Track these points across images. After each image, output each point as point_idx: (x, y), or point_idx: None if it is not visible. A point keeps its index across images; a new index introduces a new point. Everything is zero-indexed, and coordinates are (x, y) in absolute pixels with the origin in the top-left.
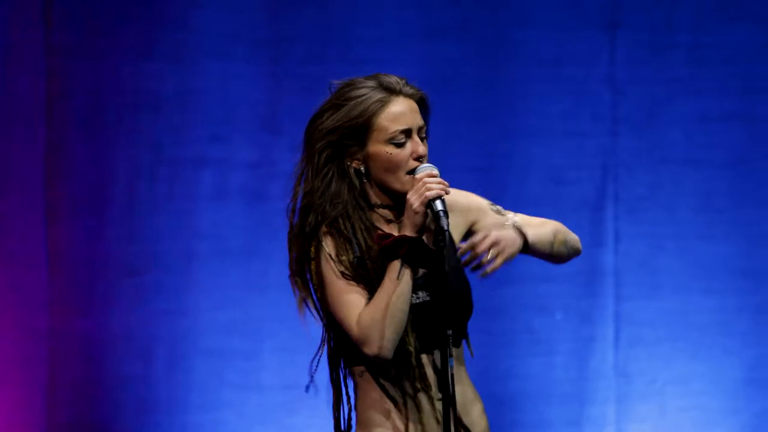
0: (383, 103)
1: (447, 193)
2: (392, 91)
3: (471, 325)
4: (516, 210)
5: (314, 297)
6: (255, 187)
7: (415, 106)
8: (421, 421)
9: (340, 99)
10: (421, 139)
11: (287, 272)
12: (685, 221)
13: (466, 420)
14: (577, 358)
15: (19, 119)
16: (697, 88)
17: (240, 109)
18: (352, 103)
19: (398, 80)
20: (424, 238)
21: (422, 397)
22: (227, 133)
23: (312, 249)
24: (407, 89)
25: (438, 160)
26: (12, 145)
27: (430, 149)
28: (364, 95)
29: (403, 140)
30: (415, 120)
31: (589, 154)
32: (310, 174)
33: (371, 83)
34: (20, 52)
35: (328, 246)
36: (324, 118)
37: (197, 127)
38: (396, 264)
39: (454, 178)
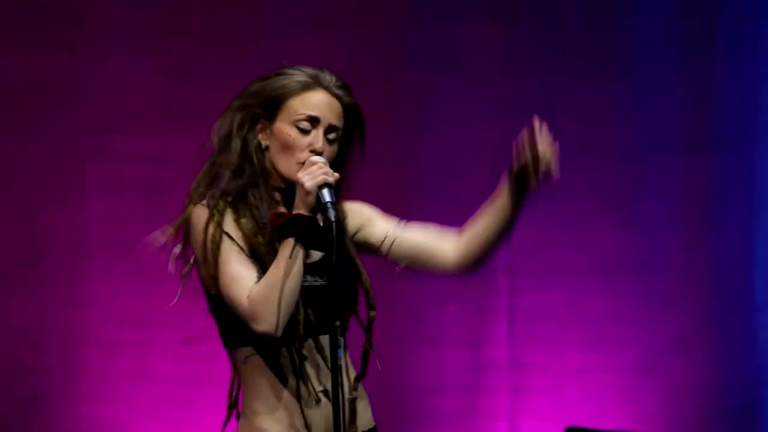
0: (303, 88)
1: (334, 181)
2: (318, 83)
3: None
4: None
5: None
6: (150, 178)
7: (336, 105)
8: (306, 411)
9: (273, 73)
10: (328, 140)
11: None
12: (578, 213)
13: (356, 409)
14: (470, 350)
15: None
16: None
17: (135, 101)
18: (279, 78)
19: (331, 78)
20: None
21: (309, 383)
22: (121, 125)
23: (208, 220)
24: (335, 89)
25: None
26: None
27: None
28: (291, 75)
29: (308, 128)
30: (327, 116)
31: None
32: (220, 137)
33: (306, 70)
34: None
35: (227, 219)
36: (252, 83)
37: (92, 119)
38: (290, 242)
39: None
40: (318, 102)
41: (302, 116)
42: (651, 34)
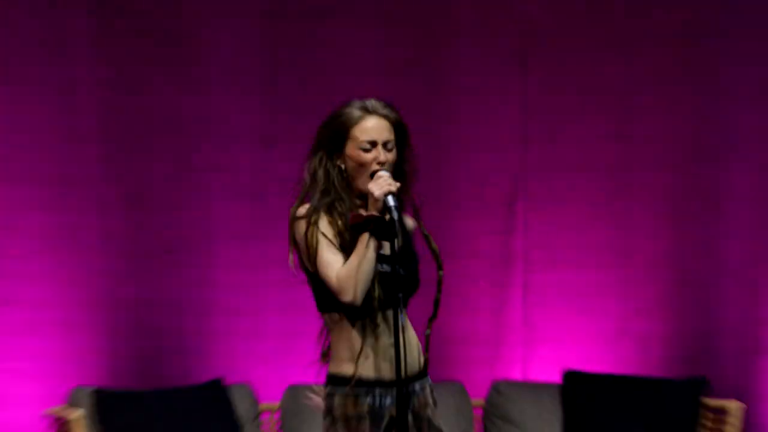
0: (358, 118)
1: (395, 189)
2: (367, 111)
3: (422, 294)
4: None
5: (304, 262)
6: (255, 188)
7: (385, 124)
8: (377, 357)
9: (334, 113)
10: (387, 150)
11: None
12: (578, 214)
13: (409, 358)
14: (494, 313)
15: None
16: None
17: (243, 127)
18: (339, 116)
19: (377, 103)
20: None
21: (380, 340)
22: (234, 146)
23: (307, 226)
24: (381, 111)
25: None
26: None
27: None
28: (347, 111)
29: (369, 148)
30: (382, 135)
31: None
32: (310, 174)
33: (356, 103)
34: None
35: (321, 223)
36: (323, 125)
37: (212, 141)
38: (365, 236)
39: None
40: (372, 126)
41: (363, 142)
42: None
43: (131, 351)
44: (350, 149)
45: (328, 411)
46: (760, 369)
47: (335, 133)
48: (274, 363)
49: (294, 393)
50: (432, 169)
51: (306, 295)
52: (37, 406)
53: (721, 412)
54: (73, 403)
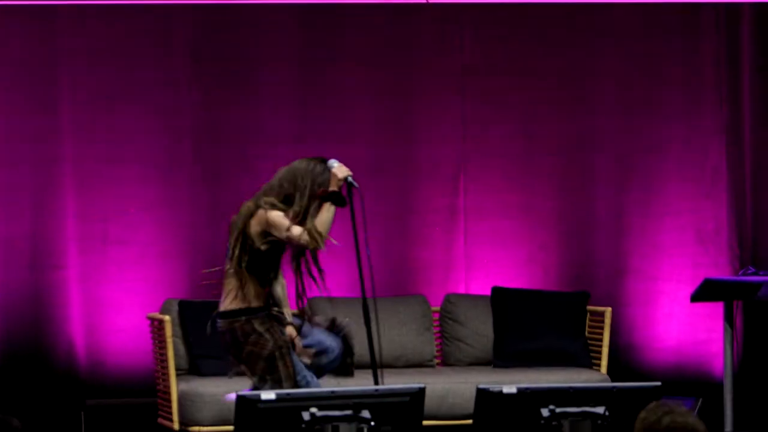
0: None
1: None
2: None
3: None
4: None
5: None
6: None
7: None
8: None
9: (314, 163)
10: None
11: None
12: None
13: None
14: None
15: None
16: None
17: (279, 125)
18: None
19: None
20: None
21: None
22: (272, 141)
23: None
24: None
25: None
26: None
27: None
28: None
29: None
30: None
31: None
32: (294, 187)
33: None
34: None
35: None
36: (303, 170)
37: (259, 142)
38: (327, 204)
39: None
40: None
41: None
42: None
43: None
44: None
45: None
46: (623, 286)
47: (318, 181)
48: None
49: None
50: (401, 156)
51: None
52: (141, 312)
53: (598, 315)
54: (164, 310)
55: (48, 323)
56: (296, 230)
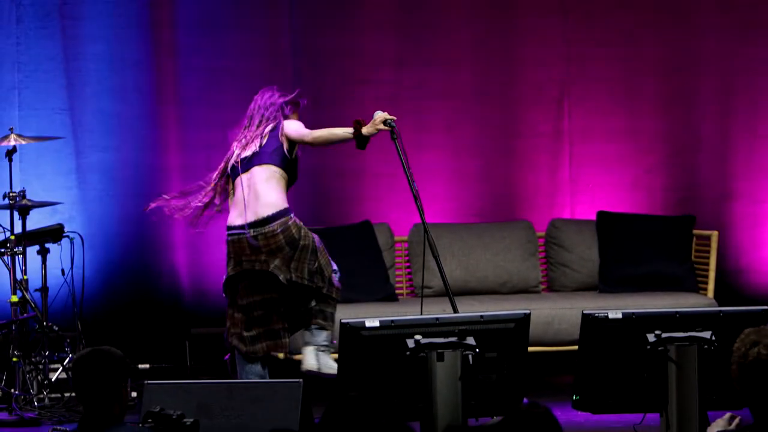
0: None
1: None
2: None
3: None
4: None
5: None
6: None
7: None
8: None
9: None
10: None
11: None
12: (605, 107)
13: None
14: None
15: None
16: None
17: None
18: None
19: None
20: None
21: None
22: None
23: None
24: None
25: None
26: None
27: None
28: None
29: None
30: None
31: None
32: None
33: None
34: None
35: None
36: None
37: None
38: (350, 134)
39: None
40: None
41: None
42: None
43: (309, 202)
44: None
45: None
46: (729, 209)
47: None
48: (406, 208)
49: (417, 230)
50: (504, 79)
51: (430, 162)
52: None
53: (705, 238)
54: None
55: (151, 254)
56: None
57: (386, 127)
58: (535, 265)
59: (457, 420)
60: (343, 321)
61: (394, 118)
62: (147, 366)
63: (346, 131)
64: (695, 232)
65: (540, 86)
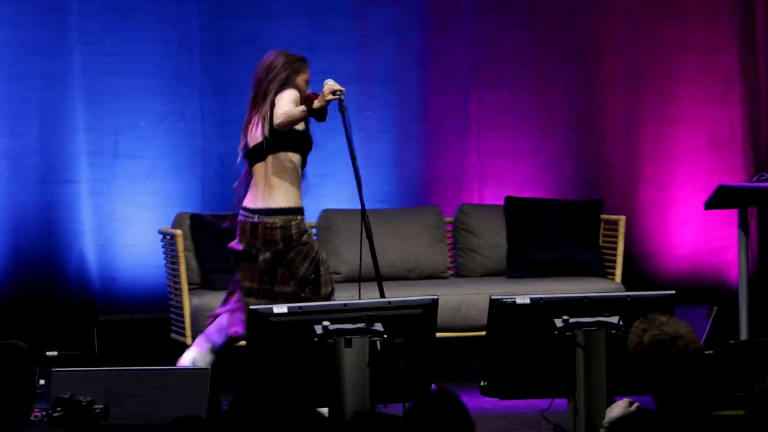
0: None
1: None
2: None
3: None
4: None
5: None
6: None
7: None
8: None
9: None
10: None
11: None
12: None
13: None
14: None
15: None
16: None
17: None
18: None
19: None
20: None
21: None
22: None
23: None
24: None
25: None
26: None
27: None
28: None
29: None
30: None
31: None
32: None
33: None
34: None
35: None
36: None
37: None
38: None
39: None
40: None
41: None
42: None
43: (217, 189)
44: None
45: (301, 233)
46: (637, 193)
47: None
48: (313, 194)
49: (326, 215)
50: (415, 65)
51: (338, 146)
52: (153, 227)
53: (612, 223)
54: (176, 225)
55: (59, 239)
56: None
57: (335, 97)
58: (443, 250)
59: (365, 406)
60: (251, 307)
61: (343, 89)
62: (55, 353)
63: (301, 110)
64: (603, 216)
65: (448, 72)
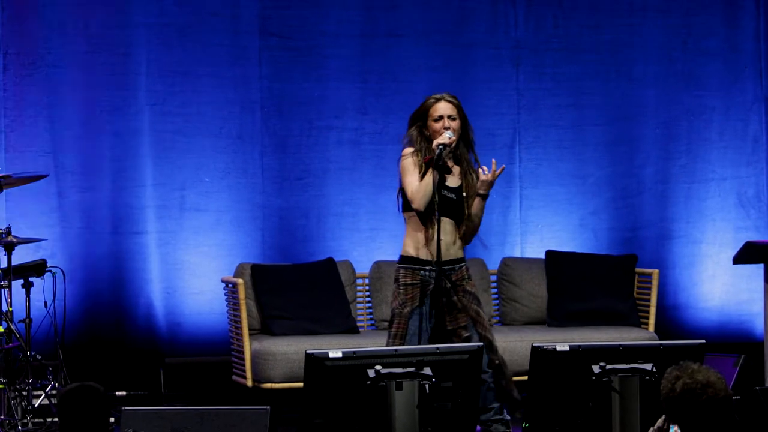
0: (433, 102)
1: (450, 144)
2: (437, 99)
3: None
4: None
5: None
6: None
7: (448, 105)
8: (430, 246)
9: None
10: (451, 120)
11: None
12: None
13: (450, 249)
14: None
15: None
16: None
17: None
18: (423, 103)
19: (444, 94)
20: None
21: (433, 235)
22: None
23: (404, 160)
24: (447, 97)
25: None
26: None
27: None
28: (426, 99)
29: (438, 119)
30: (446, 110)
31: None
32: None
33: (433, 96)
34: None
35: (410, 160)
36: (415, 111)
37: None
38: (430, 170)
39: None
40: (440, 107)
41: (435, 116)
42: None
43: (276, 241)
44: (428, 121)
45: (396, 279)
46: (669, 249)
47: (422, 112)
48: (366, 246)
49: (377, 266)
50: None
51: (388, 203)
52: (216, 275)
53: (646, 276)
54: (238, 274)
55: (128, 286)
56: (410, 185)
57: (434, 152)
58: (487, 300)
59: None
60: (307, 352)
61: (445, 145)
62: (124, 393)
63: (428, 177)
64: (637, 270)
65: (493, 133)
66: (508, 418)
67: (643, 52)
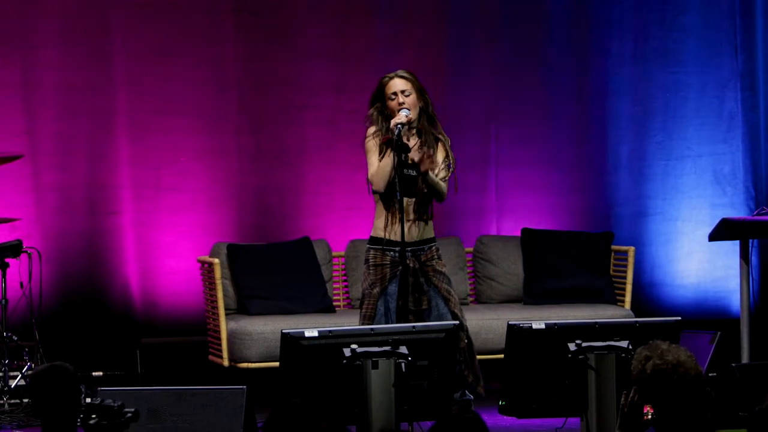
0: (387, 80)
1: (408, 122)
2: (391, 77)
3: None
4: None
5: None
6: None
7: (401, 81)
8: (397, 227)
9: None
10: (405, 96)
11: None
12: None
13: (418, 228)
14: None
15: None
16: None
17: None
18: (379, 83)
19: (399, 71)
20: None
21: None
22: None
23: (366, 142)
24: (400, 73)
25: None
26: None
27: None
28: (381, 78)
29: (393, 97)
30: (399, 86)
31: None
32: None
33: (387, 75)
34: None
35: (372, 141)
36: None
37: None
38: (389, 151)
39: None
40: (393, 83)
41: (390, 94)
42: None
43: (252, 220)
44: (386, 100)
45: (366, 260)
46: (645, 227)
47: (378, 91)
48: (342, 225)
49: (353, 245)
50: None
51: (364, 182)
52: (192, 255)
53: (622, 254)
54: (214, 254)
55: (104, 267)
56: (370, 167)
57: (393, 132)
58: (463, 278)
59: (390, 424)
60: (283, 331)
61: (403, 124)
62: (100, 373)
63: (387, 158)
64: (613, 247)
65: (469, 110)
66: (471, 397)
67: (619, 28)
